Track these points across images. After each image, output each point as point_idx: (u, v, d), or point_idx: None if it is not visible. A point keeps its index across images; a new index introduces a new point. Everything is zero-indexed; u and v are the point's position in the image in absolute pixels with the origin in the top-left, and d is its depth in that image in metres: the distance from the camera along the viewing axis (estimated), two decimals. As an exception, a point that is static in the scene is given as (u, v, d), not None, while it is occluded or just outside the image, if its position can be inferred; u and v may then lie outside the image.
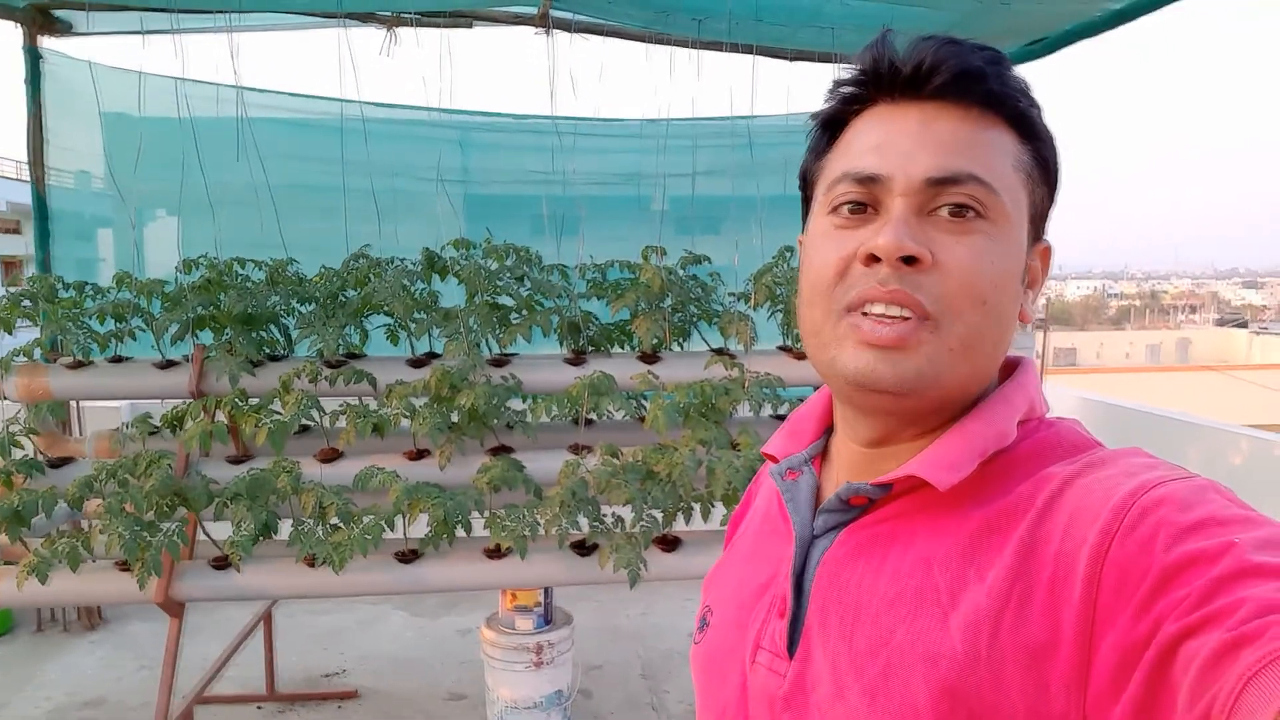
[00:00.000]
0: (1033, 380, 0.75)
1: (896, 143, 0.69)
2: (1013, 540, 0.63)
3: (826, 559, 0.72)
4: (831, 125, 0.76)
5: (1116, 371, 23.44)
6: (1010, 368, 0.75)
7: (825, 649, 0.69)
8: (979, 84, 0.68)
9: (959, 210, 0.67)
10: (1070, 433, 0.71)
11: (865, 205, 0.70)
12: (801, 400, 1.33)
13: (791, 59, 4.33)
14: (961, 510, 0.67)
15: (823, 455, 0.83)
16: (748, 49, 4.18)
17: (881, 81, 0.71)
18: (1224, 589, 0.52)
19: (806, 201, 0.79)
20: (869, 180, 0.69)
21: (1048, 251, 0.76)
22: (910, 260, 0.66)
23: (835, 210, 0.71)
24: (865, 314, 0.67)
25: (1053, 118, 0.75)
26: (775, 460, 0.84)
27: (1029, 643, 0.59)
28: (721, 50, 4.24)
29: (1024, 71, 0.72)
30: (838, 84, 0.75)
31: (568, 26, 4.23)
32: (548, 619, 3.31)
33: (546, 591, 3.29)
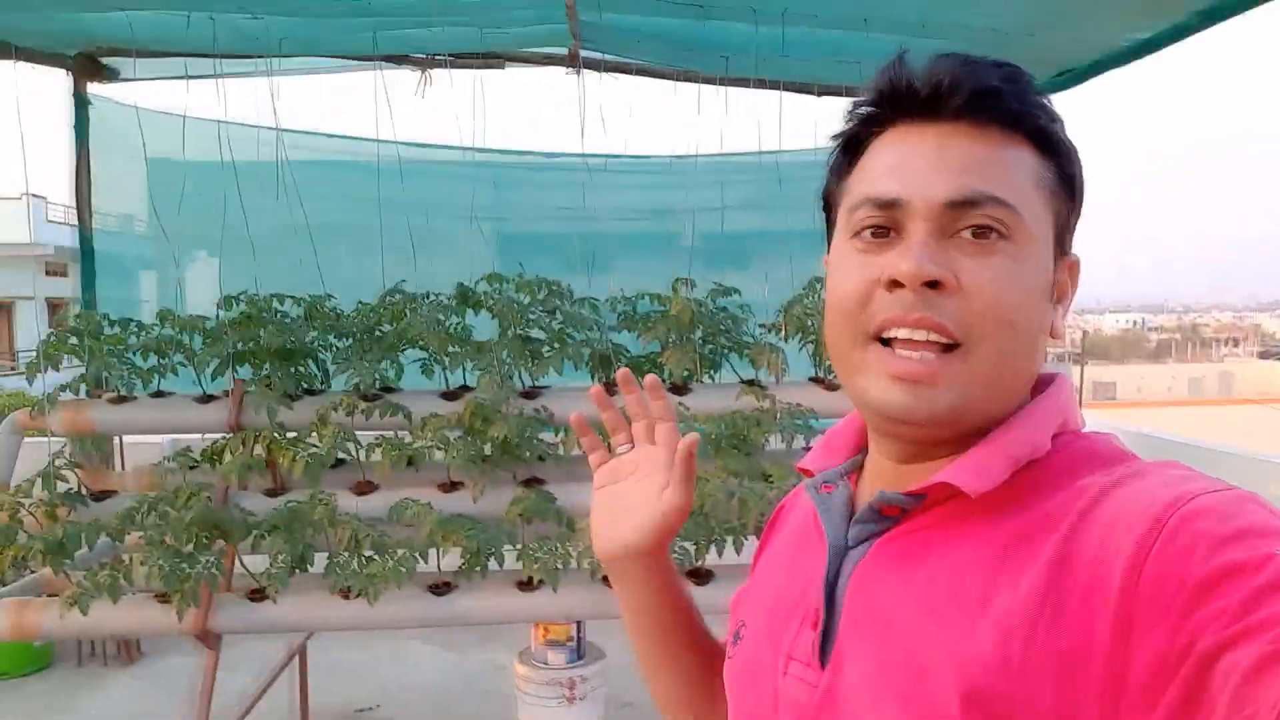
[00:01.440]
0: (1067, 394, 0.74)
1: (915, 165, 0.69)
2: (1047, 549, 0.62)
3: (859, 569, 0.72)
4: (851, 146, 0.76)
5: (1158, 405, 23.04)
6: (1044, 383, 0.75)
7: (857, 659, 0.68)
8: (996, 103, 0.68)
9: (981, 232, 0.67)
10: (1106, 445, 0.71)
11: (887, 229, 0.70)
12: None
13: (818, 94, 4.37)
14: (995, 519, 0.66)
15: (858, 470, 0.83)
16: (774, 85, 4.22)
17: (899, 102, 0.71)
18: (1264, 601, 0.51)
19: (829, 223, 0.80)
20: (889, 204, 0.69)
21: (1075, 265, 0.75)
22: (933, 284, 0.66)
23: (857, 235, 0.71)
24: (892, 341, 0.68)
25: (1086, 148, 0.74)
26: (811, 474, 0.84)
27: (1062, 652, 0.58)
28: (749, 86, 4.29)
29: (1055, 102, 0.72)
30: (856, 105, 0.75)
31: (597, 66, 4.30)
32: (580, 654, 3.30)
33: (579, 626, 3.28)
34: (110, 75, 4.22)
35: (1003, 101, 0.68)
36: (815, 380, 3.27)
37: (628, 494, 0.93)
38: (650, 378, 0.96)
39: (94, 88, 4.22)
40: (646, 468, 0.93)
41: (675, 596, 0.97)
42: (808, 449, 3.20)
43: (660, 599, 0.96)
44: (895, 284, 0.67)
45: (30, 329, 19.58)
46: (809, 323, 3.19)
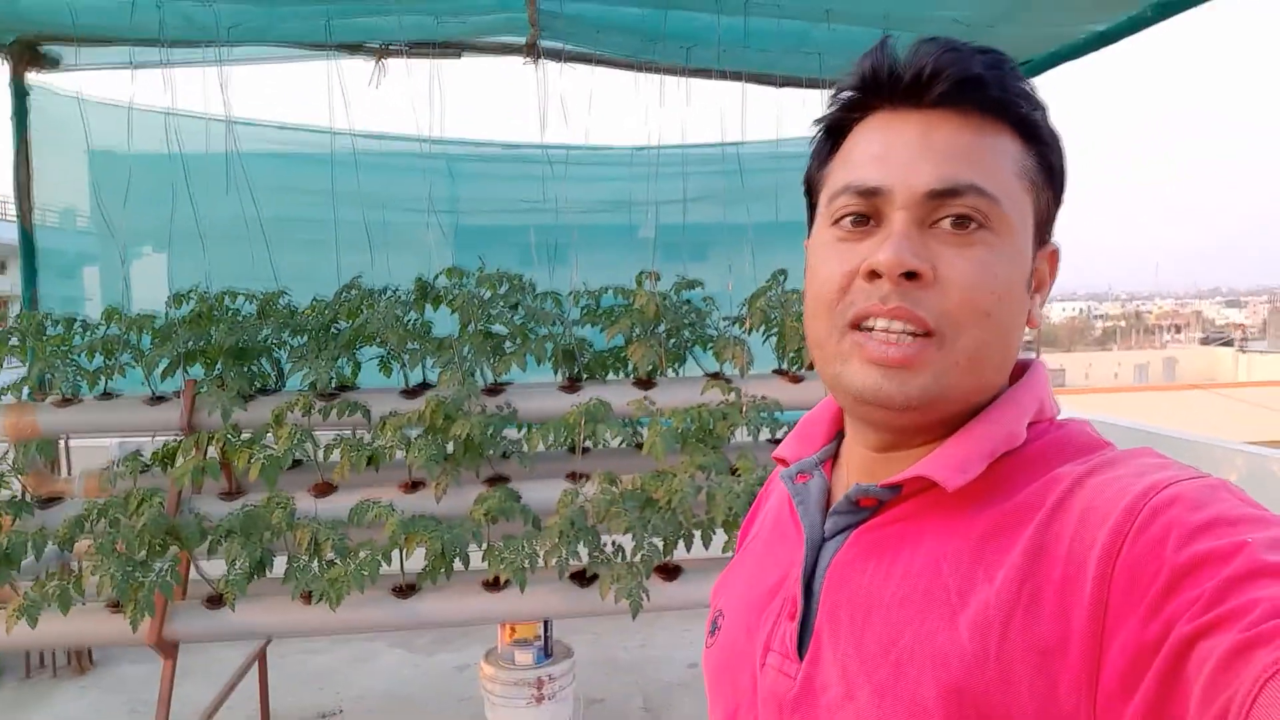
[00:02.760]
0: (1042, 382, 0.74)
1: (897, 153, 0.68)
2: (1022, 540, 0.62)
3: (836, 561, 0.72)
4: (834, 132, 0.76)
5: (1106, 391, 23.56)
6: (1020, 370, 0.75)
7: (835, 650, 0.68)
8: (980, 91, 0.67)
9: (961, 222, 0.67)
10: (1080, 434, 0.71)
11: (867, 217, 0.69)
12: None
13: (780, 85, 4.36)
14: (971, 511, 0.67)
15: (834, 459, 0.83)
16: (736, 76, 4.21)
17: (882, 89, 0.70)
18: (1237, 589, 0.51)
19: (811, 208, 0.79)
20: (870, 193, 0.69)
21: (1055, 254, 0.75)
22: (911, 275, 0.66)
23: (837, 222, 0.71)
24: (870, 331, 0.67)
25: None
26: (786, 464, 0.84)
27: (1039, 643, 0.58)
28: (710, 77, 4.27)
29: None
30: (839, 89, 0.74)
31: (557, 55, 4.25)
32: (548, 652, 3.26)
33: (546, 624, 3.24)
34: (51, 63, 4.07)
35: (986, 89, 0.68)
36: (780, 373, 3.26)
37: None
38: None
39: (33, 76, 4.07)
40: None
41: None
42: (774, 442, 3.21)
43: None
44: (874, 274, 0.67)
45: (-32, 327, 19.01)
46: (773, 315, 3.17)
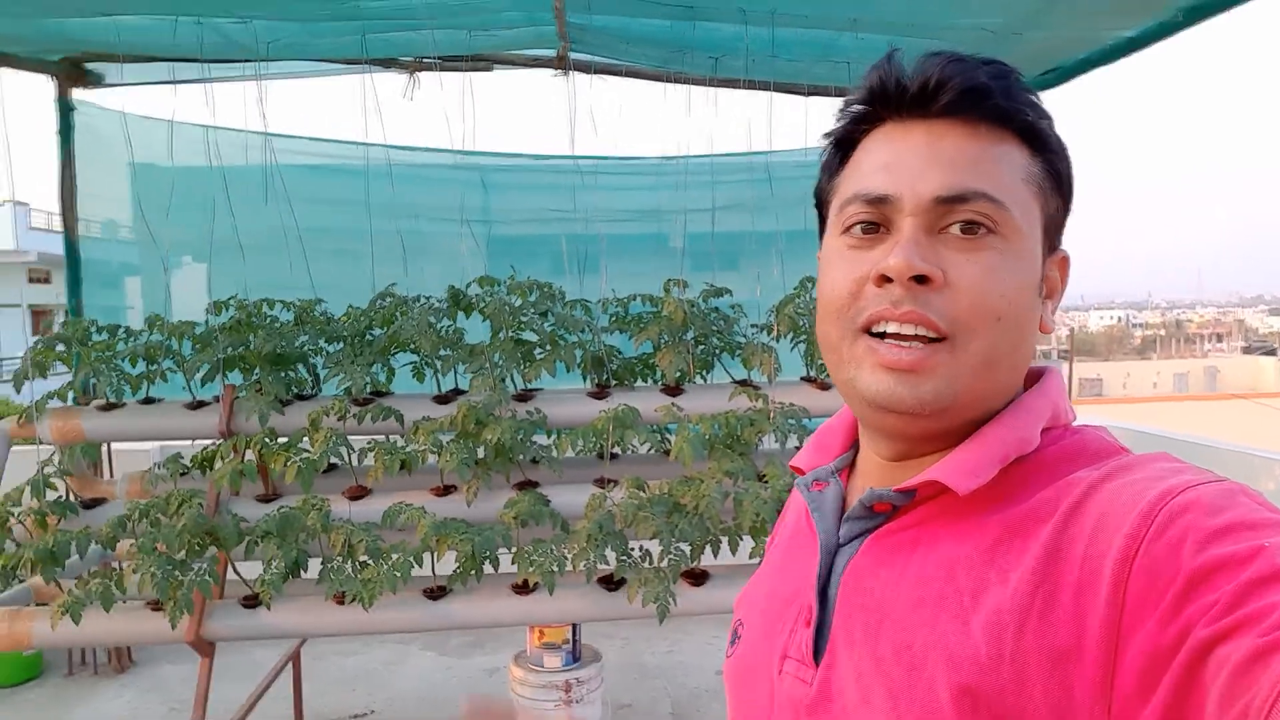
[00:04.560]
0: (1057, 388, 0.75)
1: (905, 162, 0.70)
2: (1037, 544, 0.62)
3: (851, 566, 0.73)
4: (843, 144, 0.77)
5: (1144, 401, 23.16)
6: (1035, 377, 0.76)
7: (850, 655, 0.69)
8: (985, 100, 0.69)
9: (970, 227, 0.68)
10: (1095, 439, 0.71)
11: (877, 225, 0.71)
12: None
13: (808, 94, 4.38)
14: (984, 515, 0.67)
15: (850, 467, 0.84)
16: (764, 85, 4.23)
17: (889, 100, 0.72)
18: (1255, 593, 0.51)
19: (822, 220, 0.81)
20: (879, 200, 0.70)
21: (1065, 261, 0.76)
22: (922, 279, 0.67)
23: (848, 230, 0.72)
24: (882, 336, 0.68)
25: (1072, 146, 0.75)
26: (803, 473, 0.85)
27: (1053, 646, 0.58)
28: (738, 87, 4.30)
29: (1042, 100, 0.72)
30: (847, 103, 0.76)
31: (586, 68, 4.31)
32: (576, 656, 3.29)
33: (574, 628, 3.27)
34: (95, 80, 4.20)
35: (991, 99, 0.69)
36: (808, 380, 3.27)
37: None
38: None
39: (79, 93, 4.20)
40: None
41: None
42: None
43: None
44: (884, 279, 0.68)
45: (15, 336, 19.47)
46: (801, 322, 3.19)
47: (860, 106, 0.74)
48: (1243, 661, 0.49)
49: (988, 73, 0.69)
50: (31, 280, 22.08)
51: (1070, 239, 0.76)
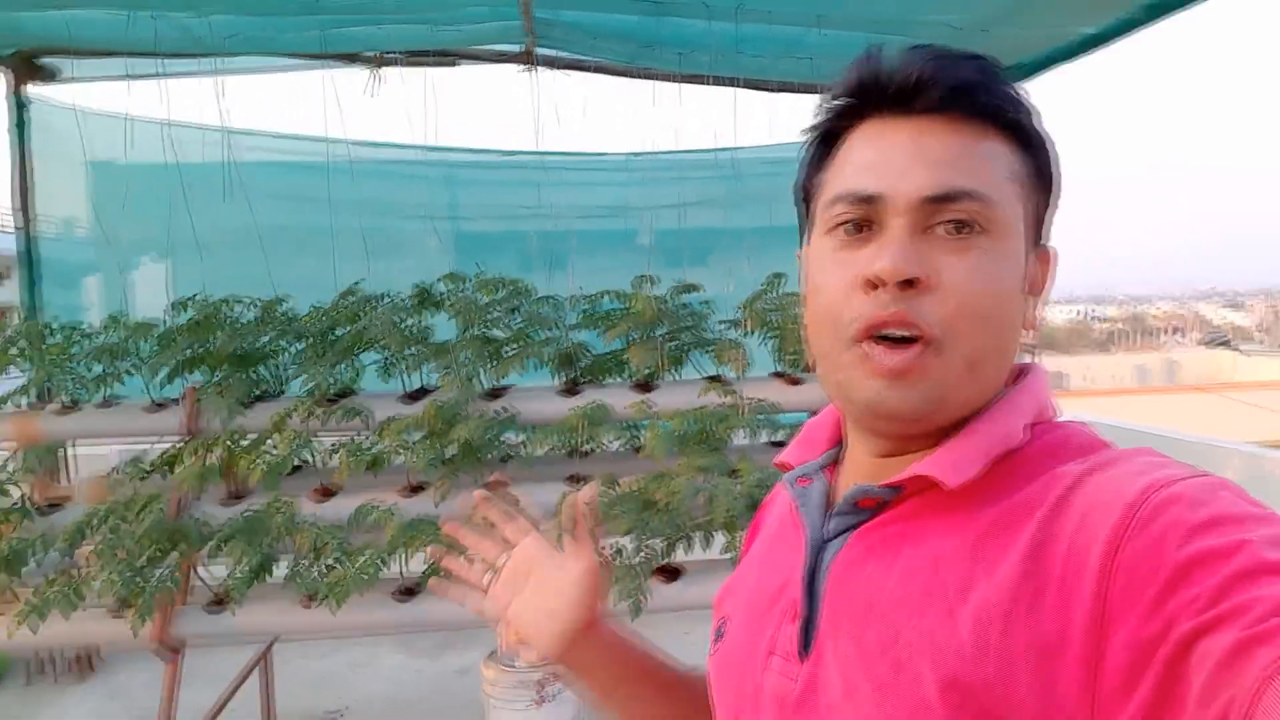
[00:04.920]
0: (1041, 384, 0.75)
1: (891, 160, 0.69)
2: (1023, 537, 0.62)
3: (838, 561, 0.72)
4: (825, 140, 0.76)
5: (1107, 394, 23.56)
6: (1019, 373, 0.75)
7: (836, 650, 0.68)
8: (972, 97, 0.68)
9: (958, 227, 0.67)
10: (1080, 433, 0.71)
11: (863, 224, 0.70)
12: (798, 425, 1.34)
13: (774, 90, 4.39)
14: (971, 509, 0.67)
15: (836, 463, 0.83)
16: (730, 81, 4.23)
17: (873, 96, 0.71)
18: (1238, 587, 0.51)
19: (805, 215, 0.79)
20: (866, 200, 0.69)
21: (1049, 256, 0.75)
22: (911, 282, 0.66)
23: (833, 230, 0.72)
24: (874, 341, 0.68)
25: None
26: (789, 468, 0.85)
27: (1039, 639, 0.58)
28: (704, 83, 4.30)
29: None
30: (830, 98, 0.75)
31: (552, 63, 4.28)
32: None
33: (546, 626, 3.25)
34: (49, 75, 4.10)
35: (978, 96, 0.68)
36: (778, 375, 3.27)
37: (539, 588, 0.95)
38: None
39: (33, 89, 4.11)
40: (539, 557, 0.96)
41: (639, 654, 0.97)
42: (774, 444, 3.23)
43: (627, 664, 0.96)
44: (873, 283, 0.67)
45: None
46: (770, 318, 3.19)
47: (842, 101, 0.74)
48: (1225, 655, 0.49)
49: (973, 68, 0.69)
50: (-14, 281, 21.70)
51: (1035, 233, 0.76)
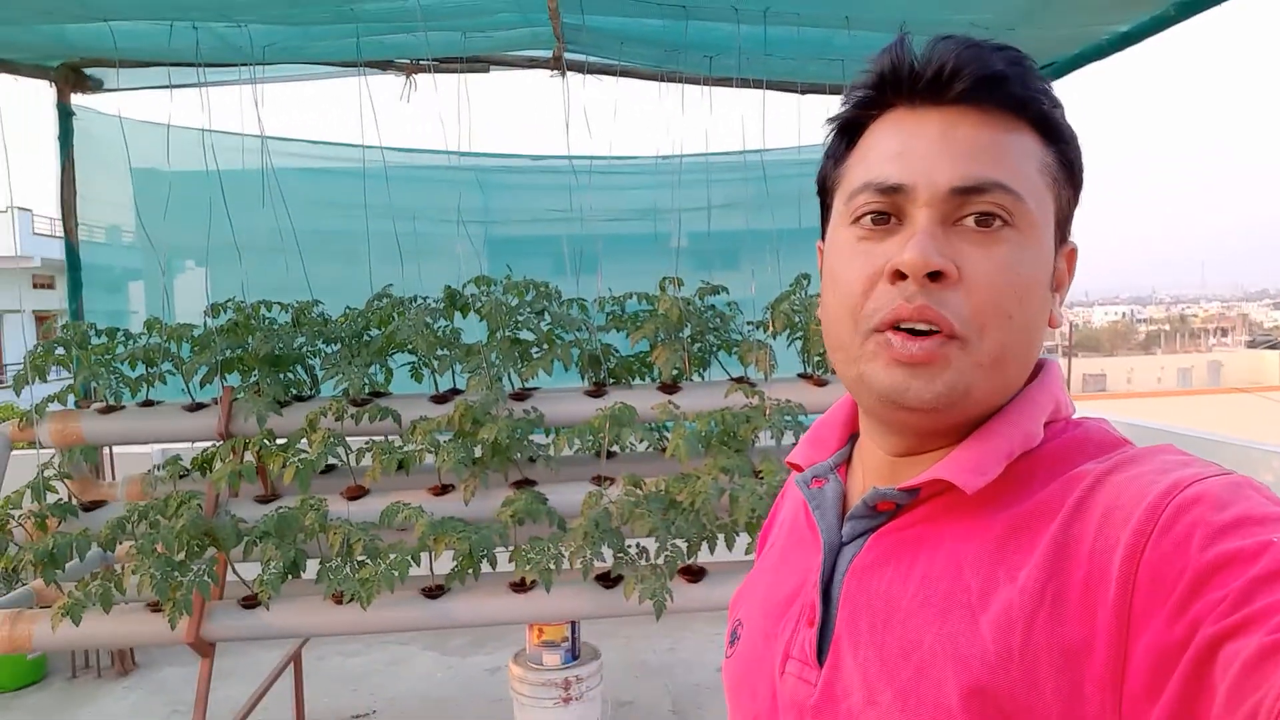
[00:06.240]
0: (1057, 381, 0.74)
1: (918, 150, 0.67)
2: (1044, 540, 0.62)
3: (855, 565, 0.71)
4: (848, 130, 0.74)
5: (1148, 396, 23.12)
6: (1034, 370, 0.74)
7: (855, 656, 0.67)
8: (1001, 88, 0.67)
9: (985, 219, 0.66)
10: (1098, 431, 0.70)
11: (888, 215, 0.68)
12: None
13: (802, 92, 4.39)
14: (990, 512, 0.66)
15: (847, 462, 0.82)
16: (758, 84, 4.24)
17: (900, 86, 0.69)
18: (1264, 589, 0.51)
19: (825, 208, 0.78)
20: (892, 190, 0.68)
21: (1073, 253, 0.74)
22: (936, 275, 0.65)
23: (857, 220, 0.70)
24: (895, 330, 0.66)
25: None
26: (800, 469, 0.84)
27: (1063, 643, 0.58)
28: (733, 86, 4.31)
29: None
30: (854, 87, 0.73)
31: (581, 68, 4.32)
32: (575, 654, 3.30)
33: (573, 626, 3.28)
34: (94, 86, 4.22)
35: (1008, 87, 0.67)
36: (804, 376, 3.28)
37: None
38: None
39: (78, 98, 4.23)
40: None
41: None
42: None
43: None
44: (898, 275, 0.66)
45: (18, 342, 19.52)
46: (797, 319, 3.20)
47: (868, 91, 0.72)
48: (1251, 659, 0.49)
49: (1003, 59, 0.67)
50: (36, 286, 22.13)
51: (1075, 233, 0.75)
